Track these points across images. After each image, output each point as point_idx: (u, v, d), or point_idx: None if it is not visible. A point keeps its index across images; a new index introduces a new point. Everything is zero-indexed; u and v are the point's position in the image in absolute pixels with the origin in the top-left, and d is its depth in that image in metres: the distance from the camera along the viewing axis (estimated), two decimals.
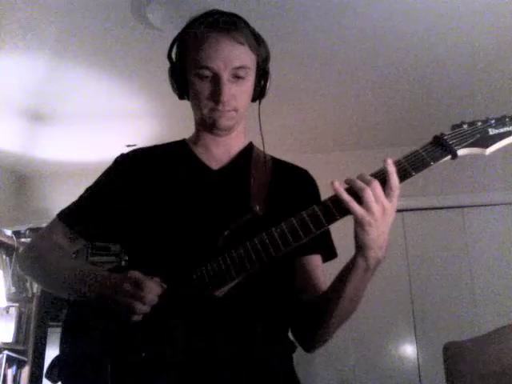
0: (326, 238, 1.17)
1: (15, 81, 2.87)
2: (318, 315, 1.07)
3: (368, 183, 0.89)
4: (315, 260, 1.15)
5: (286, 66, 2.73)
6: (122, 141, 3.31)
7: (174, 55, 1.17)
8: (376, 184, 0.89)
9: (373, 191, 0.89)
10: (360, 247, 0.93)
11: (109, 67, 2.76)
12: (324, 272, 1.16)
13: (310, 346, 1.13)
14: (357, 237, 0.92)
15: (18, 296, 3.44)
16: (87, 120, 3.36)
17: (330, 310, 1.02)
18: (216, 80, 1.07)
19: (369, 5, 2.29)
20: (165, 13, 2.23)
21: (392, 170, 0.90)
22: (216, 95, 1.08)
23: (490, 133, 0.97)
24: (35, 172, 4.18)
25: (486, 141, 0.97)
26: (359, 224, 0.90)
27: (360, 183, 0.90)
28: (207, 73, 1.08)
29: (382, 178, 0.91)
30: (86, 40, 2.51)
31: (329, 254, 1.17)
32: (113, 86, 2.95)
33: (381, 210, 0.89)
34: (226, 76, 1.07)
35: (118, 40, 2.52)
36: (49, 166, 4.05)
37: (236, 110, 1.12)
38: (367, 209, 0.88)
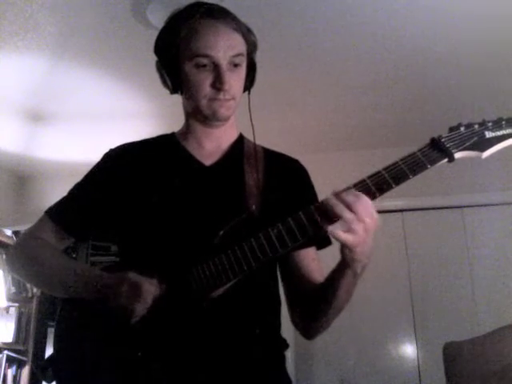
0: None
1: (15, 81, 2.87)
2: (314, 310, 1.08)
3: (353, 206, 0.87)
4: (311, 253, 1.15)
5: (286, 65, 2.73)
6: (121, 141, 3.30)
7: (161, 49, 1.14)
8: (360, 207, 0.87)
9: (358, 217, 0.87)
10: (348, 263, 0.93)
11: (109, 67, 2.76)
12: (319, 263, 1.16)
13: (310, 335, 1.14)
14: (344, 256, 0.92)
15: (18, 296, 3.44)
16: (87, 120, 3.36)
17: (325, 308, 1.03)
18: (216, 68, 1.06)
19: (368, 5, 2.29)
20: (165, 13, 2.22)
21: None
22: (218, 83, 1.06)
23: (487, 136, 0.97)
24: (35, 172, 4.17)
25: (482, 144, 0.96)
26: (348, 248, 0.90)
27: (349, 214, 0.87)
28: (206, 61, 1.06)
29: (363, 189, 0.90)
30: (86, 40, 2.51)
31: (323, 242, 1.16)
32: (113, 86, 2.95)
33: (364, 231, 0.88)
34: (224, 64, 1.06)
35: (118, 40, 2.52)
36: (49, 166, 4.05)
37: (234, 99, 1.11)
38: (356, 235, 0.88)
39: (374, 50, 2.64)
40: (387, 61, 2.73)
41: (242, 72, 1.12)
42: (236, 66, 1.08)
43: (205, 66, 1.06)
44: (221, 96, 1.08)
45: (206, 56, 1.06)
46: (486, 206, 3.57)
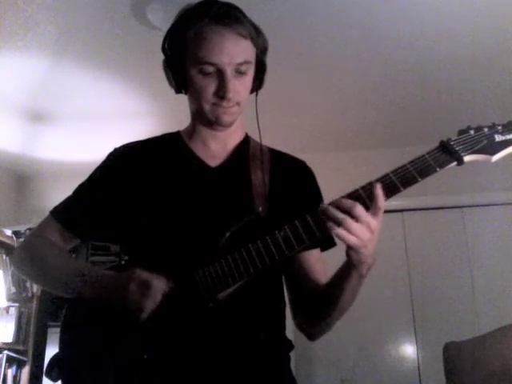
0: None
1: (15, 81, 2.87)
2: (318, 312, 1.08)
3: (351, 211, 0.88)
4: (315, 255, 1.15)
5: (287, 65, 2.73)
6: (121, 141, 3.29)
7: (168, 48, 1.13)
8: (360, 212, 0.88)
9: (359, 220, 0.88)
10: (354, 264, 0.93)
11: (109, 67, 2.76)
12: (323, 265, 1.16)
13: (313, 336, 1.15)
14: (351, 257, 0.93)
15: (18, 296, 3.44)
16: (87, 120, 3.36)
17: (330, 309, 1.04)
18: (220, 76, 1.05)
19: (370, 5, 2.29)
20: (165, 13, 2.23)
21: (380, 194, 0.90)
22: (221, 92, 1.06)
23: (497, 139, 0.96)
24: (35, 172, 4.17)
25: (492, 148, 0.96)
26: (353, 250, 0.91)
27: (347, 219, 0.88)
28: (211, 69, 1.05)
29: (369, 193, 0.91)
30: (86, 40, 2.51)
31: (328, 244, 1.16)
32: (113, 86, 2.95)
33: (369, 232, 0.89)
34: (230, 71, 1.05)
35: (118, 40, 2.52)
36: (49, 166, 4.05)
37: (239, 105, 1.10)
38: (360, 238, 0.89)
39: (374, 50, 2.64)
40: (387, 61, 2.73)
41: (248, 79, 1.11)
42: (242, 73, 1.07)
43: (210, 73, 1.06)
44: (224, 103, 1.08)
45: (211, 64, 1.05)
46: (486, 206, 3.57)
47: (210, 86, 1.07)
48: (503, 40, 2.55)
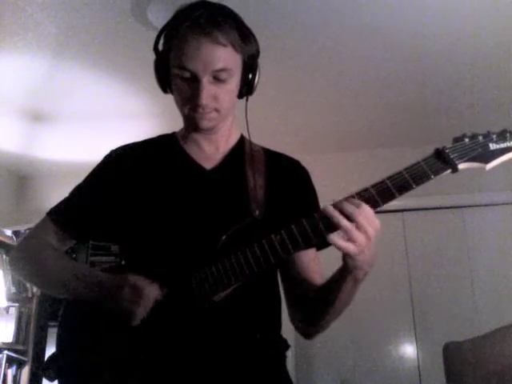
0: None
1: (15, 81, 2.87)
2: (313, 313, 1.08)
3: (353, 216, 0.89)
4: (310, 254, 1.15)
5: (286, 65, 2.73)
6: (121, 141, 3.29)
7: (156, 48, 1.13)
8: (360, 216, 0.89)
9: (359, 226, 0.88)
10: (349, 270, 0.93)
11: (109, 67, 2.76)
12: (319, 263, 1.17)
13: (309, 335, 1.15)
14: (346, 263, 0.93)
15: (18, 296, 3.44)
16: (87, 120, 3.36)
17: (325, 310, 1.04)
18: (195, 83, 1.05)
19: (369, 4, 2.29)
20: (165, 13, 2.23)
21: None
22: (194, 98, 1.05)
23: (491, 148, 0.97)
24: (35, 172, 4.17)
25: (486, 156, 0.96)
26: (350, 256, 0.91)
27: (348, 224, 0.89)
28: (187, 74, 1.05)
29: (367, 198, 0.91)
30: (86, 40, 2.51)
31: (323, 244, 1.14)
32: (113, 86, 2.95)
33: (366, 238, 0.89)
34: (205, 78, 1.04)
35: (118, 40, 2.52)
36: (49, 166, 4.05)
37: (218, 111, 1.09)
38: (357, 244, 0.89)
39: (374, 50, 2.64)
40: (387, 61, 2.73)
41: (230, 85, 1.09)
42: (221, 80, 1.06)
43: (187, 78, 1.06)
44: (200, 110, 1.07)
45: (187, 70, 1.05)
46: (486, 206, 3.57)
47: (187, 91, 1.07)
48: (503, 41, 2.54)
